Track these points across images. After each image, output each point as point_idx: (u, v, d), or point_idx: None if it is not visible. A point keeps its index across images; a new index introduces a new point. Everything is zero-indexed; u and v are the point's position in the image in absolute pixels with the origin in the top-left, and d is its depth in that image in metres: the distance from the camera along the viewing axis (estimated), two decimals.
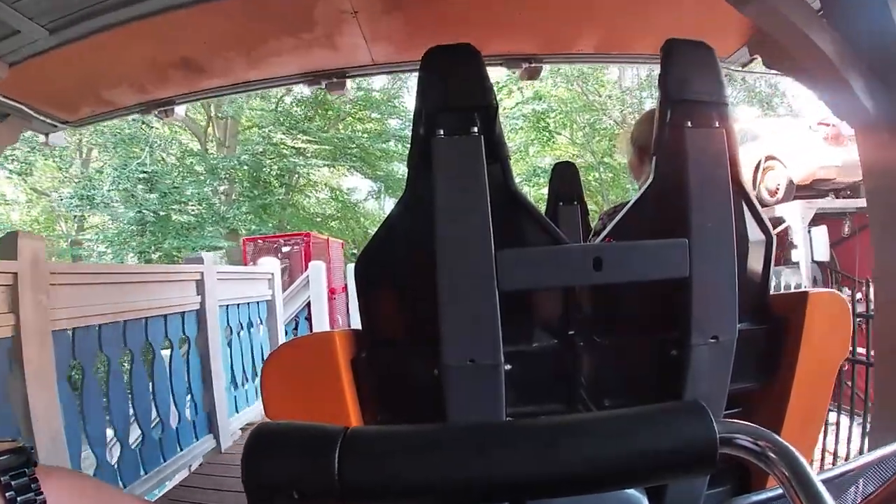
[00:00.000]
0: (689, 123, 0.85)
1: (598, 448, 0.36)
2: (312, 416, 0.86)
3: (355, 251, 16.11)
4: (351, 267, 6.35)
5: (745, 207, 0.91)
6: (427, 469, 0.36)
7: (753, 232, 0.93)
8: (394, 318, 0.91)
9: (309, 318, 6.38)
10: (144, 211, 14.18)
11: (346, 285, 8.86)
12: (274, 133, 15.87)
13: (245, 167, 15.54)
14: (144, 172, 14.28)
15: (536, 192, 14.32)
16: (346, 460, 0.35)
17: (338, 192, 18.91)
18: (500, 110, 0.87)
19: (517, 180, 0.91)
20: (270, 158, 16.01)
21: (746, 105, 13.76)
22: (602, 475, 0.37)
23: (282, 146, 16.10)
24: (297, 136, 16.05)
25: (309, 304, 6.42)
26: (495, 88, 0.85)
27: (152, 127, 14.23)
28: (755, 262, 0.94)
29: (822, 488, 0.35)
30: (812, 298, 0.92)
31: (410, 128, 0.84)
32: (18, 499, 0.36)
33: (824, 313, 0.92)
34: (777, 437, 0.37)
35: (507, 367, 0.81)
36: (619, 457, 0.36)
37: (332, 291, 8.02)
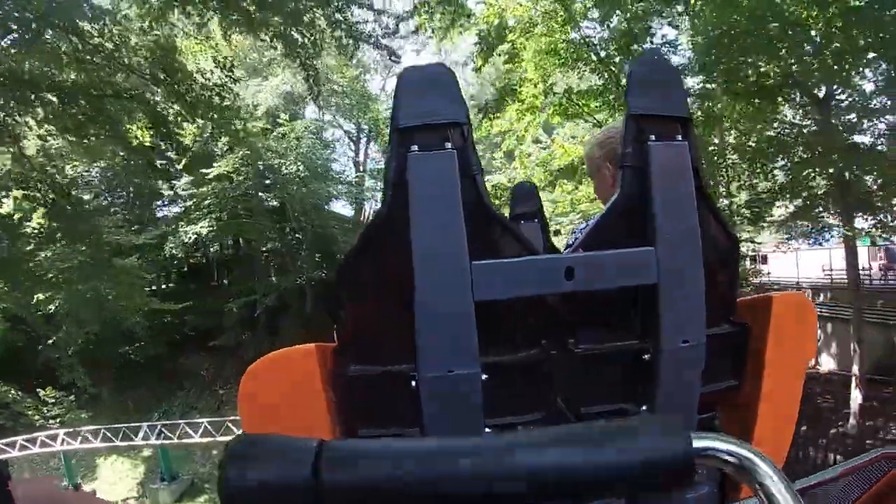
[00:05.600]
0: (653, 137, 0.89)
1: (574, 461, 0.38)
2: (291, 431, 0.89)
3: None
4: None
5: (711, 215, 0.95)
6: (399, 480, 0.37)
7: (719, 239, 0.96)
8: (372, 332, 0.92)
9: None
10: None
11: None
12: None
13: None
14: None
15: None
16: (322, 471, 0.36)
17: None
18: None
19: None
20: None
21: None
22: (579, 488, 0.38)
23: None
24: None
25: None
26: None
27: None
28: (722, 268, 0.97)
29: (797, 500, 0.37)
30: (777, 300, 0.96)
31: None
32: None
33: (790, 315, 0.96)
34: (751, 447, 0.39)
35: (484, 377, 0.84)
36: (594, 469, 0.38)
37: None
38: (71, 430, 19.27)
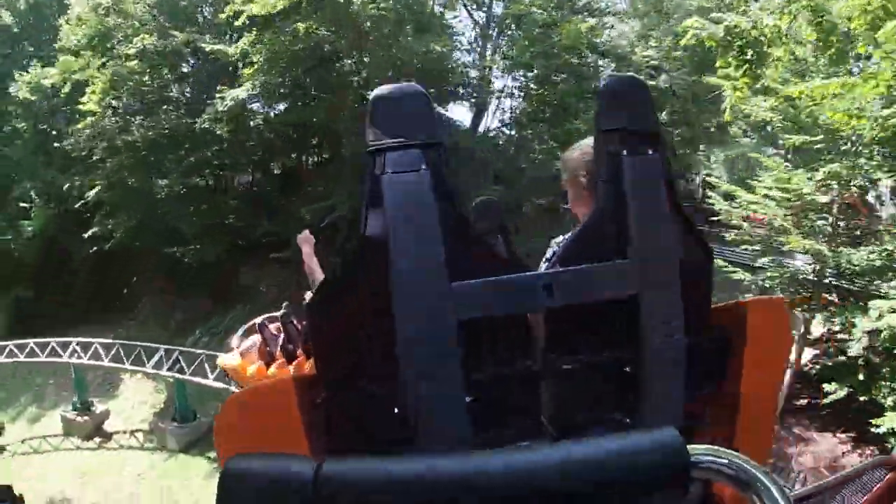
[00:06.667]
0: (625, 152, 0.90)
1: (572, 477, 0.39)
2: None
3: None
4: None
5: (684, 227, 0.94)
6: (398, 499, 0.38)
7: (693, 250, 0.96)
8: (352, 358, 0.89)
9: None
10: None
11: None
12: None
13: None
14: None
15: None
16: (321, 492, 0.37)
17: None
18: None
19: None
20: None
21: None
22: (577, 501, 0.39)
23: None
24: None
25: None
26: None
27: None
28: (697, 278, 0.95)
29: None
30: (752, 306, 0.96)
31: None
32: None
33: (765, 320, 0.96)
34: (749, 459, 0.41)
35: (468, 398, 0.82)
36: (595, 482, 0.39)
37: None
38: (84, 340, 16.15)
